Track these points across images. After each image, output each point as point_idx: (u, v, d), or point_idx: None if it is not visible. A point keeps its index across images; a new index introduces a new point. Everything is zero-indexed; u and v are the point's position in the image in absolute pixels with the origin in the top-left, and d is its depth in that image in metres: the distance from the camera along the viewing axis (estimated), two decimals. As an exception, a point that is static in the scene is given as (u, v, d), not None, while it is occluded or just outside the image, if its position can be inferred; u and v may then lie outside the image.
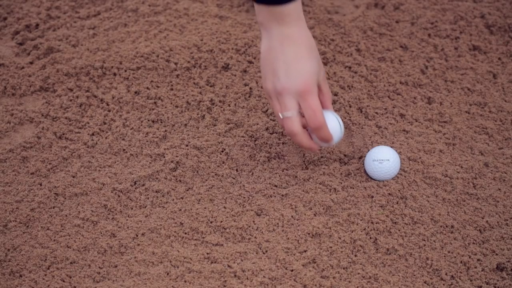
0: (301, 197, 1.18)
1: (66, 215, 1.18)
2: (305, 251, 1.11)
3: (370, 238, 1.13)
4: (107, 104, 1.34)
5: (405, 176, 1.20)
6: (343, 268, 1.09)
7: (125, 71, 1.38)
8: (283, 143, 1.26)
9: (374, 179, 1.20)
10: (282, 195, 1.18)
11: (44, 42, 1.45)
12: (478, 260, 1.10)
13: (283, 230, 1.15)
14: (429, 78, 1.36)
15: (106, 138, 1.29)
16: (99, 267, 1.11)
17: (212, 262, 1.11)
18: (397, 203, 1.17)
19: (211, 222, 1.16)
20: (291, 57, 1.06)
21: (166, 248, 1.13)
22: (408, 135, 1.26)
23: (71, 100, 1.34)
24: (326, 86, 1.13)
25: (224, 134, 1.27)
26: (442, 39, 1.42)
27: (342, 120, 1.28)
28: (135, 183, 1.22)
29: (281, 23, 1.06)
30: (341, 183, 1.20)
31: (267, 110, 1.31)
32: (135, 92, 1.35)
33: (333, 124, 1.12)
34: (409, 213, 1.15)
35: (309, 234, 1.13)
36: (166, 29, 1.46)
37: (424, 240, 1.12)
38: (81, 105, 1.34)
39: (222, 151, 1.25)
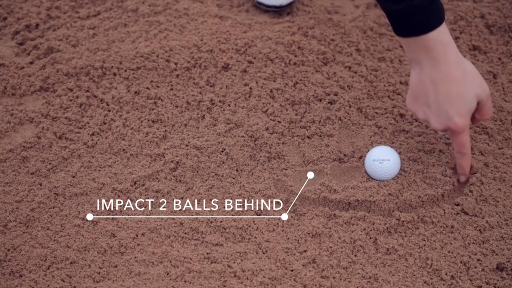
0: (301, 197, 1.18)
1: (66, 215, 1.18)
2: (305, 251, 1.11)
3: (370, 238, 1.13)
4: (107, 104, 1.34)
5: (405, 176, 1.19)
6: (343, 268, 1.09)
7: (125, 71, 1.38)
8: (283, 143, 1.25)
9: (374, 179, 1.20)
10: (282, 196, 1.18)
11: (44, 42, 1.45)
12: (478, 260, 1.10)
13: (283, 230, 1.15)
14: (429, 78, 1.36)
15: (106, 138, 1.29)
16: (99, 267, 1.11)
17: (212, 262, 1.11)
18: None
19: (211, 222, 1.16)
20: (442, 98, 1.06)
21: (166, 248, 1.13)
22: (408, 135, 1.26)
23: (71, 100, 1.34)
24: (486, 107, 1.11)
25: (224, 134, 1.27)
26: (442, 39, 1.42)
27: (342, 120, 1.28)
28: (135, 183, 1.22)
29: (430, 55, 1.04)
30: (341, 183, 1.20)
31: (267, 110, 1.31)
32: (135, 92, 1.35)
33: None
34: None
35: (309, 234, 1.13)
36: (166, 29, 1.46)
37: (424, 240, 1.12)
38: (81, 105, 1.34)
39: (222, 151, 1.25)
